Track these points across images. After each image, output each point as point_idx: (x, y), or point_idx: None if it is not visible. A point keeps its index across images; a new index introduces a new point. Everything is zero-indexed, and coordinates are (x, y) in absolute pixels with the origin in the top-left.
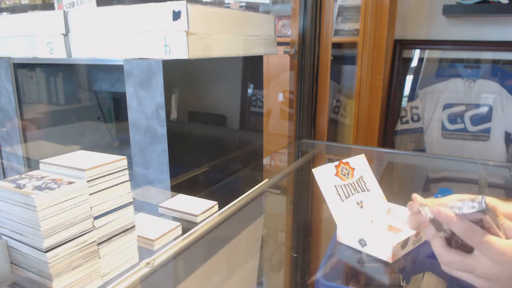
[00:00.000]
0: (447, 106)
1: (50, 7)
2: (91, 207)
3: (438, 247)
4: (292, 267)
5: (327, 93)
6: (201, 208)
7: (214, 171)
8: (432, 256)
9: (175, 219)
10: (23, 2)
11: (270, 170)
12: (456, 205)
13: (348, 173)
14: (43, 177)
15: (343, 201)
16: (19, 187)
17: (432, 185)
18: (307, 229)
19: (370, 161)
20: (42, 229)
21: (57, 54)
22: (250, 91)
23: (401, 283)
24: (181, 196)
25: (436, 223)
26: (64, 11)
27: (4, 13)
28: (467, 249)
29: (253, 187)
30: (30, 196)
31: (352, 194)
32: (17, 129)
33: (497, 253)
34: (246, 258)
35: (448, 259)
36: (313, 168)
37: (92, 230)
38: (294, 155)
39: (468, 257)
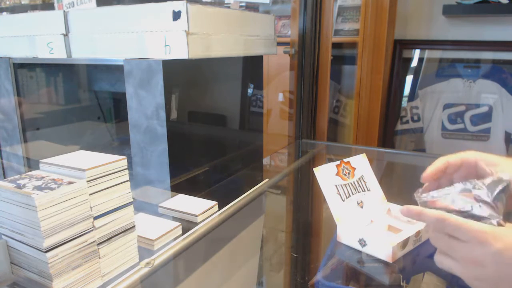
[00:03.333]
0: (447, 106)
1: (50, 7)
2: (91, 207)
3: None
4: (292, 267)
5: (327, 93)
6: (201, 208)
7: (214, 171)
8: (432, 256)
9: (175, 219)
10: (23, 2)
11: (270, 170)
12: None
13: (349, 173)
14: (43, 177)
15: (343, 201)
16: (19, 187)
17: None
18: (307, 229)
19: (370, 161)
20: (42, 229)
21: (57, 54)
22: (250, 91)
23: (401, 283)
24: (181, 196)
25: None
26: (64, 11)
27: (4, 13)
28: None
29: (253, 187)
30: (30, 196)
31: (353, 194)
32: (17, 129)
33: (478, 233)
34: (246, 258)
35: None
36: (313, 168)
37: (92, 230)
38: (294, 155)
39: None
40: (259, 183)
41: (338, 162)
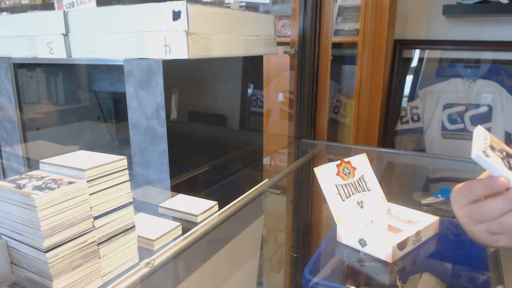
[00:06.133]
0: (447, 106)
1: (50, 7)
2: (91, 207)
3: None
4: (292, 267)
5: (327, 93)
6: (201, 208)
7: (214, 171)
8: (432, 256)
9: (175, 219)
10: (23, 2)
11: (270, 170)
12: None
13: (349, 173)
14: (43, 177)
15: (343, 200)
16: (19, 187)
17: (432, 185)
18: (307, 229)
19: (370, 161)
20: (42, 229)
21: (57, 54)
22: (250, 91)
23: (400, 283)
24: (181, 196)
25: None
26: (64, 11)
27: (4, 13)
28: None
29: (253, 187)
30: (30, 196)
31: (353, 194)
32: (17, 129)
33: None
34: (246, 258)
35: None
36: (313, 168)
37: (92, 230)
38: (294, 155)
39: None
40: (259, 183)
41: (338, 162)
